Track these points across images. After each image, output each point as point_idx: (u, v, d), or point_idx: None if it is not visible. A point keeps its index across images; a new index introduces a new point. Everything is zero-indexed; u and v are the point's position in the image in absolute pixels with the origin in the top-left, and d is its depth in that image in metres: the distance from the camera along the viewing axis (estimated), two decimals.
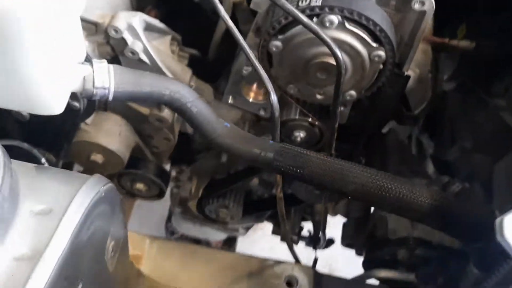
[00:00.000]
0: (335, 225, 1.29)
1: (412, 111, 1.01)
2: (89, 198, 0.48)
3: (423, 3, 0.72)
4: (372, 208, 1.18)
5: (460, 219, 0.62)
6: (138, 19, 0.78)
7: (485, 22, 1.12)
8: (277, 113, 0.66)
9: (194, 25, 1.06)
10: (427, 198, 0.58)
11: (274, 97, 0.65)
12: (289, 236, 1.08)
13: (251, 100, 0.98)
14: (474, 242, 0.65)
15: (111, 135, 0.92)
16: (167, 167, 1.24)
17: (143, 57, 0.82)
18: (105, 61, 0.57)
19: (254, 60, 0.64)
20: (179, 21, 1.05)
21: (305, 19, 0.65)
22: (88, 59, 0.59)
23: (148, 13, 1.03)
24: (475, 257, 0.70)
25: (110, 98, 0.57)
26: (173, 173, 1.32)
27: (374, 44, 0.73)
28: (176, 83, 0.62)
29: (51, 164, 0.87)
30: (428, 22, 0.75)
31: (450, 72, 1.24)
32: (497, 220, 0.47)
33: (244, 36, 0.85)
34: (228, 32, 0.92)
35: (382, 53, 0.74)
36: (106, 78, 0.56)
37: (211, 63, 1.02)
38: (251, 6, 0.79)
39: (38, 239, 0.42)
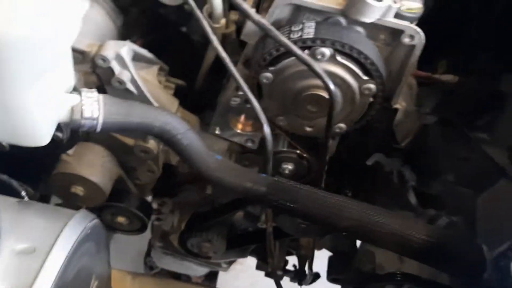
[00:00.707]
0: (319, 258, 1.27)
1: (399, 144, 1.01)
2: (75, 235, 0.45)
3: (412, 37, 0.73)
4: (359, 242, 1.17)
5: (455, 256, 0.61)
6: (127, 48, 0.77)
7: (466, 59, 1.15)
8: (270, 145, 0.64)
9: (181, 55, 1.05)
10: (424, 235, 0.57)
11: (267, 129, 0.64)
12: (276, 272, 1.06)
13: (238, 131, 0.97)
14: (468, 278, 0.64)
15: (93, 166, 0.89)
16: (149, 199, 1.20)
17: (130, 87, 0.80)
18: (95, 90, 0.55)
19: (248, 91, 0.63)
20: (166, 51, 1.04)
21: (298, 51, 0.65)
22: (75, 89, 0.57)
23: (135, 43, 1.03)
24: None
25: (99, 129, 0.55)
26: (155, 206, 1.28)
27: (364, 77, 0.73)
28: (167, 114, 0.61)
29: (29, 196, 0.83)
30: (417, 56, 0.76)
31: (432, 106, 1.26)
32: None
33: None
34: (215, 62, 0.91)
35: (372, 86, 0.74)
36: (95, 108, 0.54)
37: (198, 93, 1.01)
38: (242, 37, 0.78)
39: (20, 281, 0.39)
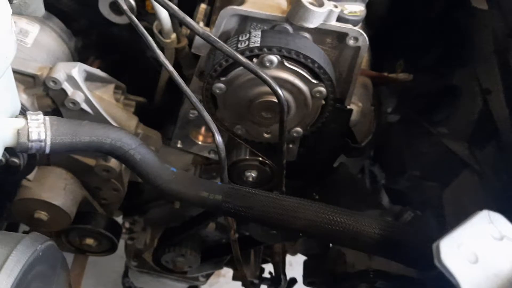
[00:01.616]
0: (298, 264, 1.27)
1: (359, 144, 1.03)
2: (23, 259, 0.45)
3: (356, 39, 0.75)
4: (331, 244, 1.18)
5: (410, 247, 0.62)
6: (78, 69, 0.77)
7: (420, 57, 1.18)
8: (223, 153, 0.65)
9: (139, 72, 1.05)
10: (376, 229, 0.59)
11: (218, 138, 0.65)
12: (249, 280, 1.06)
13: (200, 143, 0.97)
14: (427, 270, 0.65)
15: (55, 190, 0.88)
16: (119, 218, 1.20)
17: (85, 107, 0.80)
18: (40, 113, 0.55)
19: (196, 102, 0.64)
20: (123, 69, 1.05)
21: (244, 60, 0.66)
22: (22, 112, 0.57)
23: (91, 64, 1.03)
24: (431, 285, 0.70)
25: (47, 150, 0.55)
26: (127, 225, 1.27)
27: (314, 81, 0.75)
28: (117, 131, 0.61)
29: None
30: (363, 56, 0.78)
31: (394, 105, 1.29)
32: (434, 245, 0.47)
33: (189, 81, 0.86)
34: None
35: (322, 89, 0.76)
36: (41, 130, 0.55)
37: (158, 109, 1.02)
38: (192, 50, 0.80)
39: None
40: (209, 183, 0.65)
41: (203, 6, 0.89)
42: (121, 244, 1.17)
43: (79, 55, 0.99)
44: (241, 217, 0.62)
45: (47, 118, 0.56)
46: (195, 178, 0.66)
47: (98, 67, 1.08)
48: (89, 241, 1.01)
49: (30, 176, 0.88)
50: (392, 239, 0.58)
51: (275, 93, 0.68)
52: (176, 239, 1.16)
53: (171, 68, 0.65)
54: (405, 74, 1.20)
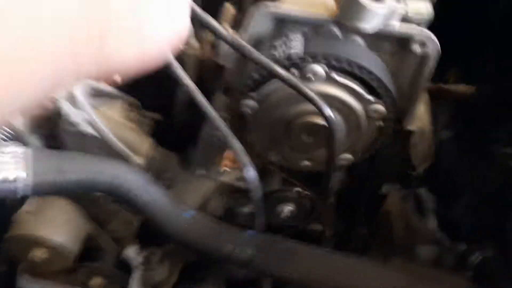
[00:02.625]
0: None
1: (415, 170, 0.86)
2: None
3: (424, 45, 0.59)
4: None
5: None
6: (82, 85, 0.64)
7: (480, 66, 1.03)
8: (258, 193, 0.50)
9: (155, 84, 0.92)
10: None
11: (251, 173, 0.50)
12: None
13: (226, 169, 0.83)
14: None
15: (56, 224, 0.75)
16: (133, 249, 1.06)
17: (89, 129, 0.66)
18: (9, 144, 0.41)
19: (223, 127, 0.50)
20: (139, 82, 0.92)
21: (282, 72, 0.51)
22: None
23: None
24: None
25: (20, 194, 0.41)
26: (144, 254, 1.14)
27: (370, 98, 0.59)
28: (117, 166, 0.47)
29: None
30: (432, 67, 0.62)
31: (445, 120, 1.13)
32: None
33: (213, 95, 0.72)
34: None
35: (381, 107, 0.60)
36: (11, 167, 0.40)
37: (177, 128, 0.88)
38: (219, 60, 0.65)
39: None
40: (235, 232, 0.50)
41: (229, 6, 0.75)
42: None
43: None
44: (276, 279, 0.46)
45: (21, 151, 0.42)
46: (218, 225, 0.51)
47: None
48: (97, 280, 0.87)
49: (29, 208, 0.75)
50: None
51: (322, 113, 0.52)
52: (198, 275, 1.02)
53: (189, 81, 0.51)
54: (465, 85, 1.05)
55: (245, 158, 0.51)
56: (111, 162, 0.47)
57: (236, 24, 0.74)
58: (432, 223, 1.11)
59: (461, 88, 1.02)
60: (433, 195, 1.15)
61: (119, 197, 0.47)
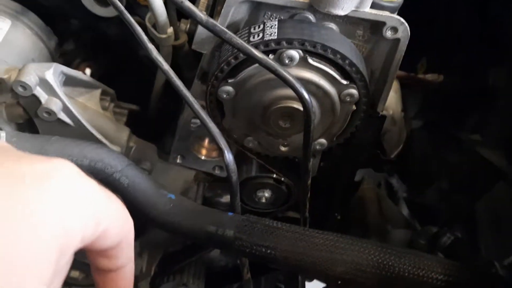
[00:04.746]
0: None
1: (387, 156, 0.89)
2: None
3: (395, 30, 0.61)
4: None
5: None
6: (53, 70, 0.63)
7: (449, 55, 1.06)
8: (234, 176, 0.51)
9: (131, 75, 0.92)
10: (441, 274, 0.44)
11: (229, 156, 0.51)
12: None
13: (203, 158, 0.83)
14: None
15: None
16: None
17: (64, 117, 0.66)
18: None
19: (199, 109, 0.50)
20: (114, 72, 0.91)
21: (260, 55, 0.52)
22: None
23: (76, 68, 0.89)
24: None
25: None
26: None
27: (344, 82, 0.61)
28: (97, 148, 0.47)
29: None
30: (402, 51, 0.64)
31: (416, 109, 1.16)
32: None
33: (190, 84, 0.72)
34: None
35: (354, 91, 0.62)
36: None
37: (154, 118, 0.88)
38: (193, 47, 0.66)
39: None
40: (217, 213, 0.51)
41: None
42: None
43: (60, 57, 0.86)
44: (259, 258, 0.48)
45: (2, 134, 0.42)
46: (199, 207, 0.52)
47: (84, 71, 0.95)
48: (74, 273, 0.86)
49: None
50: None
51: (300, 97, 0.53)
52: (177, 266, 1.02)
53: (166, 67, 0.51)
54: (434, 74, 1.08)
55: (223, 141, 0.51)
56: (93, 145, 0.47)
57: (212, 12, 0.75)
58: (404, 209, 1.15)
59: (430, 76, 1.05)
60: (404, 183, 1.18)
61: (101, 181, 0.47)
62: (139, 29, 0.51)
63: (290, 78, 0.52)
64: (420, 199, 1.13)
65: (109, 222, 0.33)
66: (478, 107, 1.01)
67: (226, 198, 0.91)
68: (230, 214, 0.51)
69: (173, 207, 0.49)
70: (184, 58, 0.76)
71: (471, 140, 1.02)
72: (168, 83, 0.82)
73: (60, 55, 0.86)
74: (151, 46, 0.52)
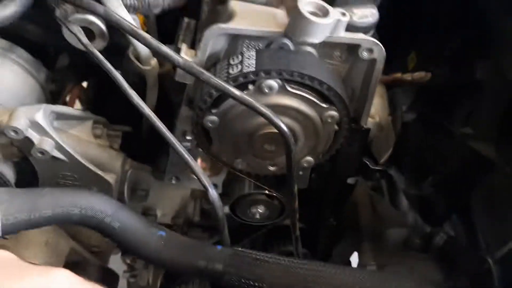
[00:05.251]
0: None
1: (378, 162, 0.90)
2: None
3: (371, 51, 0.63)
4: None
5: None
6: (42, 112, 0.65)
7: (436, 48, 1.06)
8: (220, 212, 0.53)
9: (122, 97, 0.94)
10: None
11: (213, 193, 0.53)
12: None
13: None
14: None
15: (34, 246, 0.77)
16: (116, 257, 1.08)
17: (57, 154, 0.68)
18: None
19: (184, 153, 0.52)
20: (106, 96, 0.93)
21: (235, 91, 0.54)
22: None
23: (70, 92, 0.91)
24: None
25: None
26: (127, 261, 1.16)
27: (323, 105, 0.63)
28: (88, 196, 0.49)
29: None
30: (380, 69, 0.65)
31: (408, 103, 1.17)
32: None
33: (178, 107, 0.74)
34: (162, 102, 0.80)
35: (334, 113, 0.63)
36: None
37: (147, 139, 0.90)
38: (176, 79, 0.67)
39: None
40: (206, 248, 0.53)
41: (187, 20, 0.76)
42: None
43: (55, 84, 0.88)
44: None
45: None
46: (189, 242, 0.54)
47: (78, 96, 0.97)
48: None
49: None
50: None
51: (276, 127, 0.55)
52: (182, 278, 1.04)
53: (148, 111, 0.54)
54: (421, 73, 1.08)
55: (206, 180, 0.53)
56: (81, 192, 0.49)
57: (195, 37, 0.77)
58: (403, 201, 1.16)
59: (416, 76, 1.05)
60: (402, 174, 1.19)
61: (94, 227, 0.50)
62: (119, 77, 0.53)
63: (264, 110, 0.54)
64: (417, 191, 1.15)
65: None
66: (467, 100, 1.01)
67: (224, 209, 0.94)
68: (219, 247, 0.53)
69: (163, 245, 0.52)
70: (171, 83, 0.77)
71: (462, 133, 1.02)
72: (160, 102, 0.84)
73: (52, 81, 0.88)
74: (132, 92, 0.54)
